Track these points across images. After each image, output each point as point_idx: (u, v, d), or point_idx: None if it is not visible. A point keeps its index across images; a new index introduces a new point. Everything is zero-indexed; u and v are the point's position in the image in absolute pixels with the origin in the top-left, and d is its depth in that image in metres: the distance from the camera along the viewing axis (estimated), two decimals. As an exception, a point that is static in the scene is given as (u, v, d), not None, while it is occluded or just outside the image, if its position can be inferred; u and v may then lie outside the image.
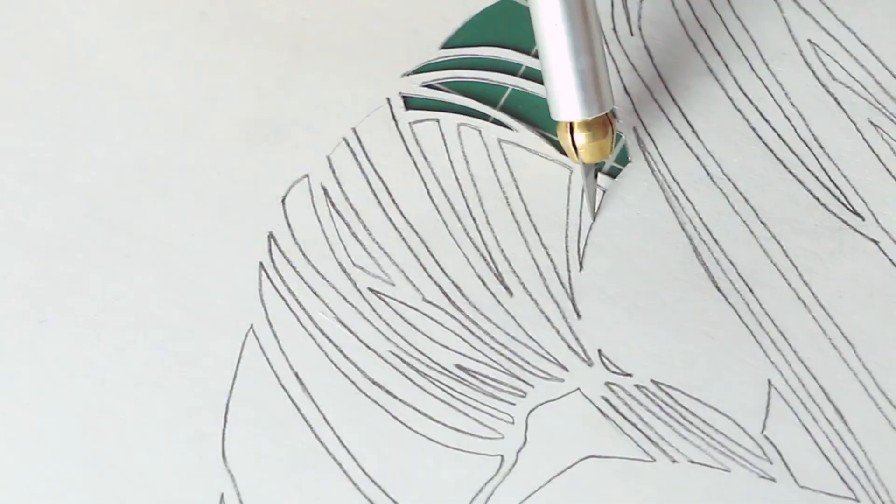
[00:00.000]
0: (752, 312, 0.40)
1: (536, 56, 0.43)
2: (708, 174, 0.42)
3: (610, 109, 0.39)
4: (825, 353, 0.40)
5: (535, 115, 0.42)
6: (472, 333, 0.40)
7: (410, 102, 0.43)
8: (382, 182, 0.42)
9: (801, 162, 0.42)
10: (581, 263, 0.41)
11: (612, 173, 0.42)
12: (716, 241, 0.41)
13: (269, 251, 0.41)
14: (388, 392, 0.40)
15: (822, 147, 0.42)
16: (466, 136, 0.42)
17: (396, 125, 0.42)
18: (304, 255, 0.41)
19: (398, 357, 0.40)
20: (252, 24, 0.43)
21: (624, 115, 0.42)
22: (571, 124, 0.39)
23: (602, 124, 0.39)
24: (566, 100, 0.38)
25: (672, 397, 0.39)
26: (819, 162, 0.42)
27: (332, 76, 0.43)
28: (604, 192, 0.41)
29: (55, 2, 0.44)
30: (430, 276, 0.41)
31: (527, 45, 0.43)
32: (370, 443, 0.39)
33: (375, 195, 0.42)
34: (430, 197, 0.42)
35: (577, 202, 0.41)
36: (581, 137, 0.39)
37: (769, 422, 0.39)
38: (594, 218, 0.41)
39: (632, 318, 0.40)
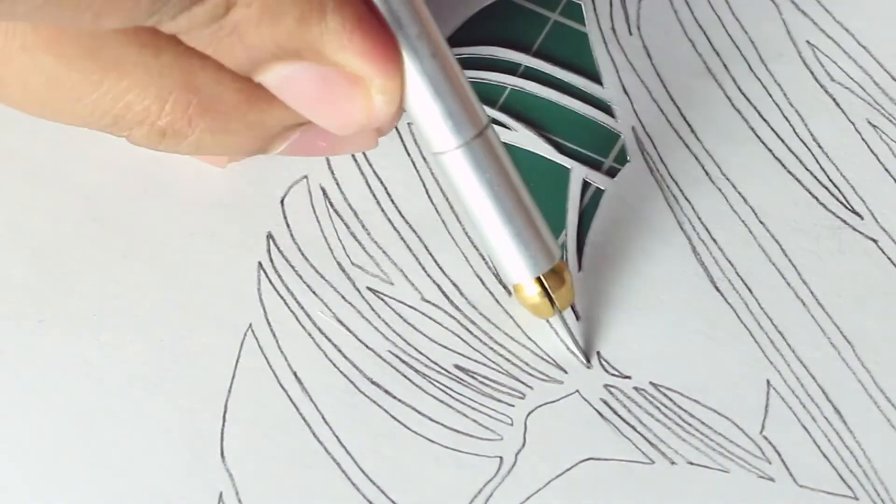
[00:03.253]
0: (751, 312, 0.40)
1: (535, 55, 0.43)
2: (706, 174, 0.42)
3: (558, 258, 0.37)
4: (824, 353, 0.39)
5: (533, 115, 0.42)
6: (471, 333, 0.40)
7: (410, 103, 0.43)
8: (381, 182, 0.42)
9: (800, 161, 0.42)
10: (580, 264, 0.41)
11: (611, 173, 0.42)
12: (714, 240, 0.41)
13: (268, 251, 0.41)
14: (386, 392, 0.40)
15: (820, 147, 0.42)
16: (465, 137, 0.42)
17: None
18: (302, 254, 0.41)
19: (397, 357, 0.40)
20: (252, 24, 0.43)
21: (623, 114, 0.42)
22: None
23: (557, 272, 0.37)
24: (515, 261, 0.37)
25: (671, 399, 0.39)
26: (818, 161, 0.42)
27: (332, 76, 0.43)
28: (602, 191, 0.42)
29: (56, 2, 0.44)
30: (428, 276, 0.41)
31: (526, 44, 0.43)
32: (369, 443, 0.39)
33: (374, 195, 0.42)
34: (429, 196, 0.42)
35: (575, 202, 0.41)
36: (543, 292, 0.37)
37: (768, 422, 0.39)
38: (590, 363, 0.40)
39: (630, 318, 0.40)
